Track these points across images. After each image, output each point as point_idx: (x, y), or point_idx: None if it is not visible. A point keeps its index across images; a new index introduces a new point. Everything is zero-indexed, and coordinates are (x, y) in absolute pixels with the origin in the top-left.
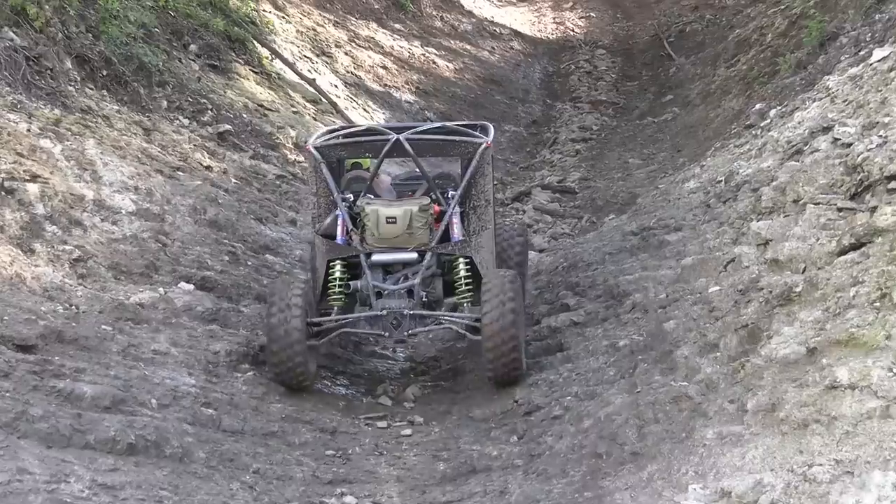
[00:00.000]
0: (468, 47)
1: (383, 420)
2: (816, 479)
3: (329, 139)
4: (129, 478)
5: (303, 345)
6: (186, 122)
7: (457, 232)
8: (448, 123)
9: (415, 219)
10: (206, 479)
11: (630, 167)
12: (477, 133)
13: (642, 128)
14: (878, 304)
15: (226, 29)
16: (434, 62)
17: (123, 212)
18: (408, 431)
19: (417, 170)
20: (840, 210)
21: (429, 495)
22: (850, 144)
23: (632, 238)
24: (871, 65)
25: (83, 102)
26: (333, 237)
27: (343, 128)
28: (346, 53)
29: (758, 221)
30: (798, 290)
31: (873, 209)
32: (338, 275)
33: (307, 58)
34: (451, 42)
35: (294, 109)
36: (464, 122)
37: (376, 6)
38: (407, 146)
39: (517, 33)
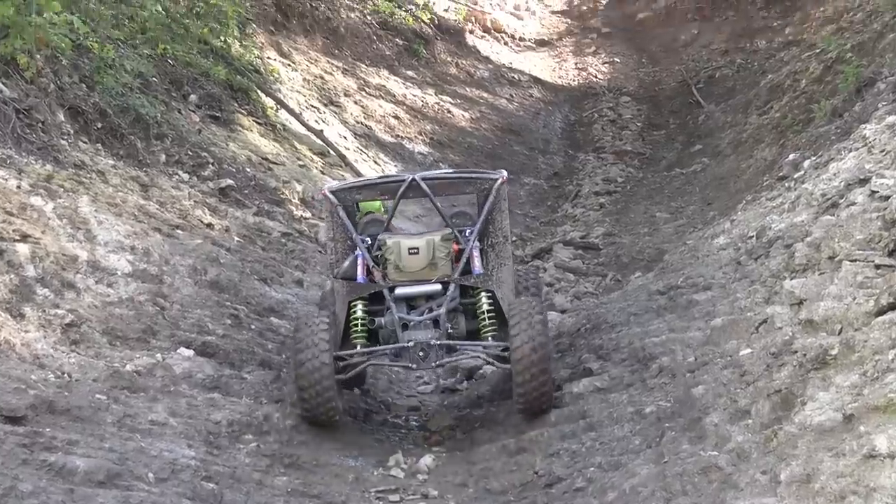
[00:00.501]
0: (485, 95)
1: (395, 494)
2: None
3: (345, 184)
4: None
5: (331, 380)
6: (186, 176)
7: (478, 265)
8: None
9: (437, 249)
10: None
11: (657, 221)
12: (491, 171)
13: (670, 179)
14: None
15: (228, 78)
16: (449, 111)
17: (119, 273)
18: None
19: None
20: (878, 267)
21: None
22: (888, 197)
23: (658, 297)
24: None
25: (76, 157)
26: (353, 279)
27: (358, 181)
28: (355, 102)
29: (791, 280)
30: (834, 352)
31: None
32: (360, 314)
33: (314, 108)
34: (467, 90)
35: (300, 163)
36: (480, 170)
37: (387, 52)
38: (423, 185)
39: (537, 80)
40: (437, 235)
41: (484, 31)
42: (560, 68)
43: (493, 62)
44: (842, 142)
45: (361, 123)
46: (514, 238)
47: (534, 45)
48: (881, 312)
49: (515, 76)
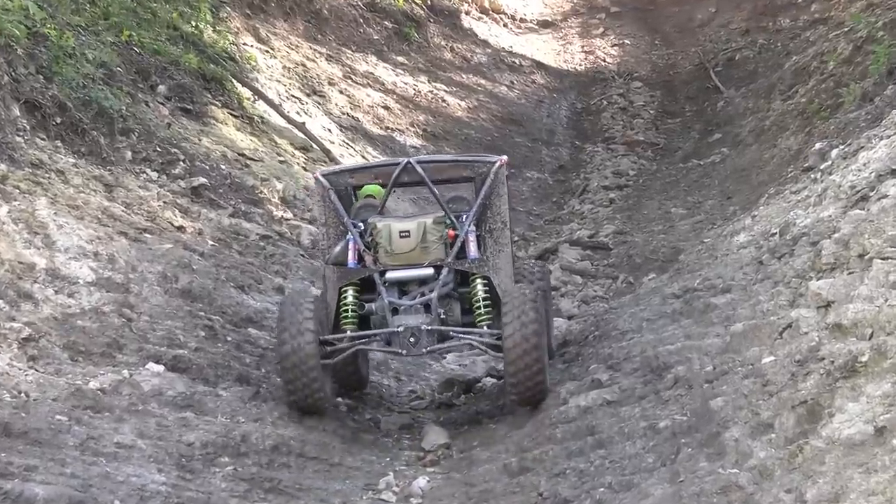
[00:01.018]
0: (483, 82)
1: None
2: None
3: (338, 168)
4: None
5: (317, 366)
6: (155, 175)
7: (473, 250)
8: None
9: (429, 232)
10: None
11: (672, 218)
12: (490, 155)
13: (686, 172)
14: None
15: (200, 66)
16: (443, 100)
17: (81, 282)
18: None
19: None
20: None
21: None
22: None
23: (673, 301)
24: None
25: (33, 155)
26: (344, 264)
27: (352, 165)
28: (340, 92)
29: (818, 280)
30: (864, 359)
31: None
32: (350, 299)
33: (295, 98)
34: (463, 76)
35: (280, 158)
36: (478, 154)
37: (376, 37)
38: (419, 169)
39: (540, 65)
40: (429, 218)
41: (481, 12)
42: (565, 52)
43: (491, 46)
44: (872, 129)
45: (347, 115)
46: (516, 238)
47: (536, 27)
48: None
49: (516, 61)
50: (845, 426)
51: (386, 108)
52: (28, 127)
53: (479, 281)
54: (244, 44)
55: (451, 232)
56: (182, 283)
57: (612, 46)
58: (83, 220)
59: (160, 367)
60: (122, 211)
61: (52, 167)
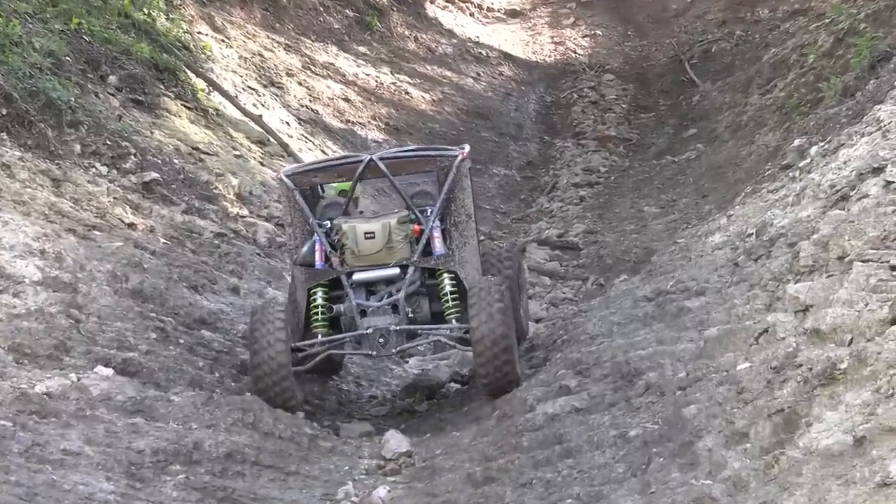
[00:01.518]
0: (448, 74)
1: None
2: None
3: (301, 167)
4: None
5: (290, 375)
6: (104, 169)
7: (438, 246)
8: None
9: (394, 232)
10: None
11: (645, 217)
12: (452, 148)
13: (660, 169)
14: None
15: (152, 56)
16: (407, 92)
17: (27, 281)
18: None
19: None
20: (894, 269)
21: None
22: None
23: (645, 304)
24: None
25: None
26: (312, 266)
27: (315, 162)
28: (299, 83)
29: (795, 283)
30: (843, 366)
31: None
32: (319, 301)
33: (252, 89)
34: (428, 68)
35: (236, 153)
36: (441, 146)
37: (336, 26)
38: (381, 165)
39: (508, 56)
40: (393, 219)
41: (447, 1)
42: (534, 42)
43: (457, 36)
44: (853, 125)
45: (306, 107)
46: (482, 237)
47: (504, 16)
48: None
49: (483, 52)
50: (823, 436)
51: (347, 100)
52: None
53: (446, 275)
54: (199, 32)
55: (417, 227)
56: (132, 283)
57: (583, 37)
58: (29, 217)
59: (109, 371)
60: (71, 207)
61: None
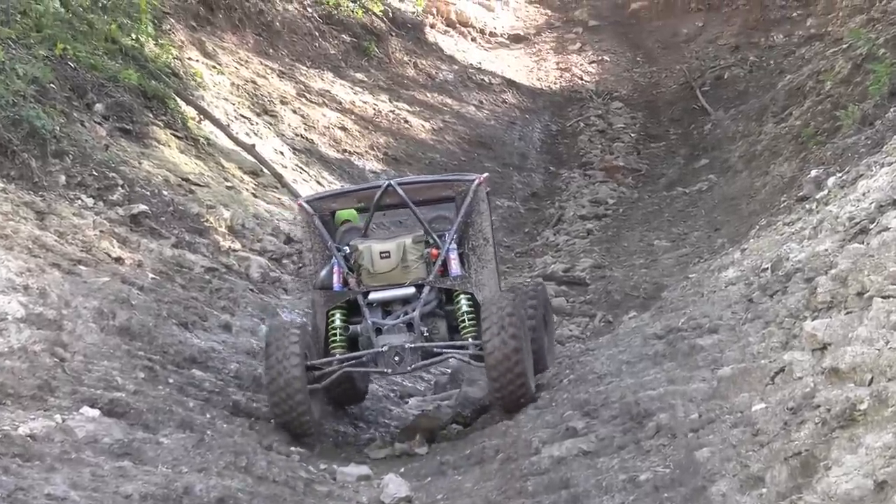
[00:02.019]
0: (449, 101)
1: None
2: None
3: (321, 194)
4: None
5: (304, 392)
6: (91, 201)
7: (455, 267)
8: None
9: (409, 251)
10: None
11: (655, 251)
12: (470, 174)
13: (670, 201)
14: None
15: (141, 83)
16: (406, 121)
17: (10, 318)
18: None
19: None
20: None
21: None
22: None
23: (656, 342)
24: None
25: None
26: (330, 288)
27: (334, 189)
28: (294, 111)
29: (813, 320)
30: (863, 407)
31: None
32: (338, 323)
33: (245, 118)
34: (428, 95)
35: (228, 184)
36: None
37: (332, 51)
38: (400, 191)
39: (511, 83)
40: (409, 238)
41: (447, 26)
42: (539, 68)
43: (458, 62)
44: (873, 155)
45: (301, 136)
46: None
47: (507, 42)
48: None
49: (485, 78)
50: (843, 480)
51: (343, 129)
52: None
53: (462, 297)
54: (189, 58)
55: (434, 251)
56: (120, 320)
57: (590, 63)
58: (12, 251)
59: (95, 412)
60: (55, 240)
61: None
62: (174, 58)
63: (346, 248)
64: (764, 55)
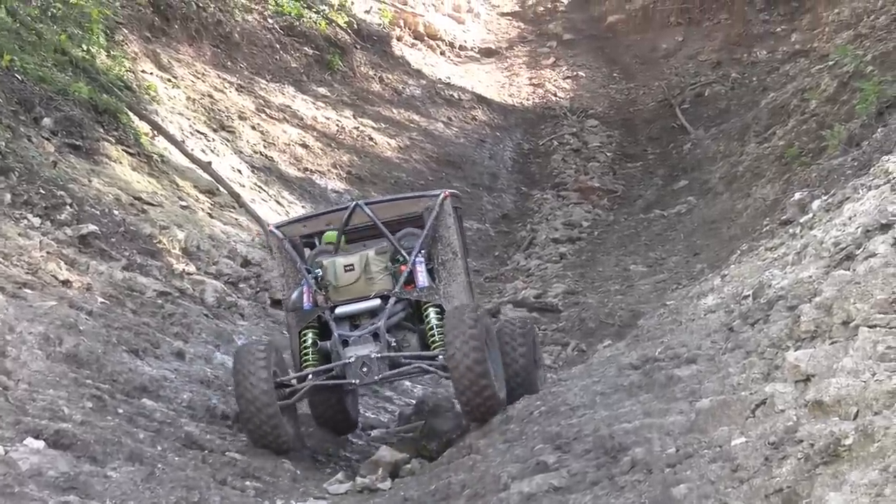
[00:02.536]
0: (416, 118)
1: None
2: None
3: (290, 220)
4: None
5: (274, 407)
6: (37, 221)
7: (421, 279)
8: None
9: (372, 262)
10: None
11: (631, 277)
12: (435, 190)
13: (648, 223)
14: None
15: (91, 97)
16: (371, 138)
17: None
18: None
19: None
20: None
21: None
22: None
23: (631, 373)
24: None
25: None
26: (301, 309)
27: (302, 214)
28: (252, 127)
29: (795, 351)
30: (848, 442)
31: None
32: (309, 341)
33: (201, 134)
34: (394, 111)
35: (182, 203)
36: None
37: (294, 65)
38: (367, 210)
39: (481, 99)
40: (371, 250)
41: (415, 38)
42: (510, 84)
43: (426, 76)
44: (859, 177)
45: (260, 153)
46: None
47: (478, 56)
48: None
49: (454, 94)
50: None
51: (304, 146)
52: None
53: (431, 309)
54: (143, 71)
55: (403, 267)
56: (67, 347)
57: (565, 79)
58: None
59: (40, 444)
60: None
61: None
62: (127, 70)
63: (318, 270)
64: (746, 72)
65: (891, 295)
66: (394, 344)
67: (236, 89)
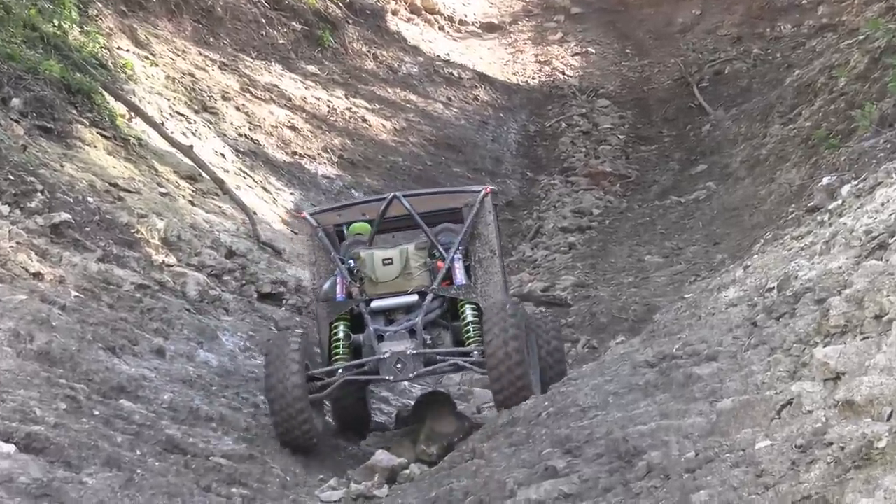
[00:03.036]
0: (413, 97)
1: None
2: None
3: (325, 207)
4: None
5: (305, 401)
6: (6, 209)
7: (459, 277)
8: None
9: (411, 258)
10: None
11: (646, 268)
12: (476, 185)
13: (663, 211)
14: None
15: (63, 76)
16: (364, 119)
17: None
18: None
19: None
20: None
21: None
22: None
23: (647, 371)
24: None
25: None
26: (333, 300)
27: (339, 203)
28: (237, 108)
29: (824, 347)
30: (881, 444)
31: None
32: (341, 334)
33: (181, 115)
34: (389, 90)
35: (162, 190)
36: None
37: (281, 41)
38: (405, 202)
39: (484, 77)
40: (411, 245)
41: (412, 12)
42: (515, 61)
43: (423, 53)
44: (892, 160)
45: (245, 136)
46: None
47: (479, 31)
48: None
49: (454, 72)
50: None
51: (293, 128)
52: None
53: (468, 306)
54: (118, 48)
55: (440, 263)
56: (38, 344)
57: (573, 56)
58: None
59: (11, 447)
60: None
61: None
62: (102, 47)
63: (351, 260)
64: (770, 47)
65: None
66: (429, 341)
67: (219, 67)
